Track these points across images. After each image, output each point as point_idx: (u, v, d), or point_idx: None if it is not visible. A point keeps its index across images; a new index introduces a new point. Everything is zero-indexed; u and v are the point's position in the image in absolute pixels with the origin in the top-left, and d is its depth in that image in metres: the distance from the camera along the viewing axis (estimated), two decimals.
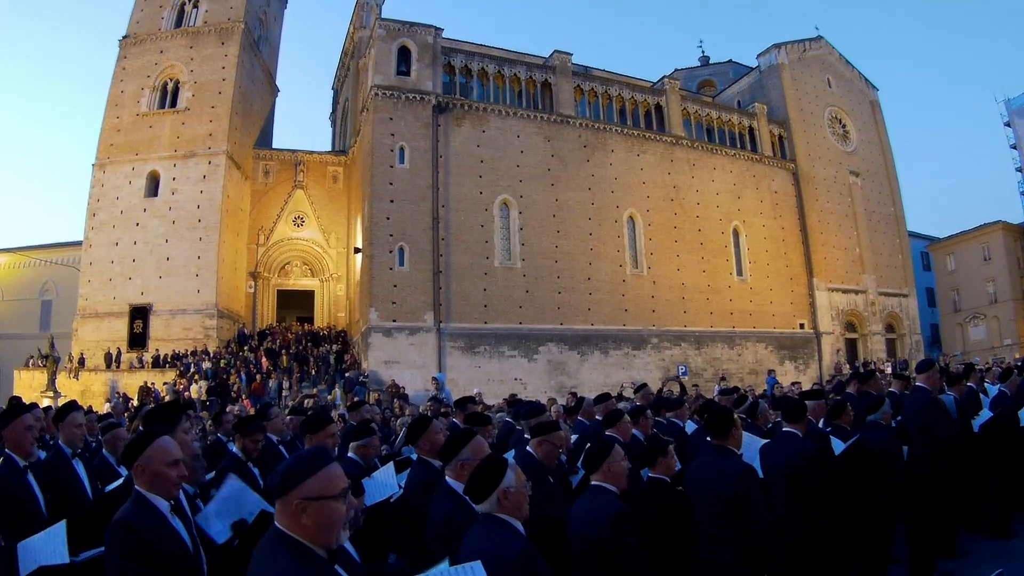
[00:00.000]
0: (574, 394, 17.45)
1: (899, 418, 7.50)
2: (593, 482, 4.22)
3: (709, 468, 4.70)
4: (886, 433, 6.52)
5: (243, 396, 26.06)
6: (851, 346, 42.47)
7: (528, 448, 5.01)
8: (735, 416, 4.88)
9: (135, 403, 25.91)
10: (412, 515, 4.41)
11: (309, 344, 33.84)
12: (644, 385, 11.26)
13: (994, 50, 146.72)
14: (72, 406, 5.50)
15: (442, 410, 11.24)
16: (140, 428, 4.98)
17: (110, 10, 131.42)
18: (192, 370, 29.59)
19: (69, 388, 28.83)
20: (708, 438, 4.90)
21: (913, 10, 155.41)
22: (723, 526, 4.46)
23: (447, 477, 3.91)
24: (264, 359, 30.86)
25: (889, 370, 27.60)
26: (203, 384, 28.30)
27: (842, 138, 46.29)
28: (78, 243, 37.76)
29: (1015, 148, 51.12)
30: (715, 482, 4.56)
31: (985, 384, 9.70)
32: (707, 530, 4.60)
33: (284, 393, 27.24)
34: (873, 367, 31.33)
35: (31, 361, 31.98)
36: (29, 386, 28.98)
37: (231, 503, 4.12)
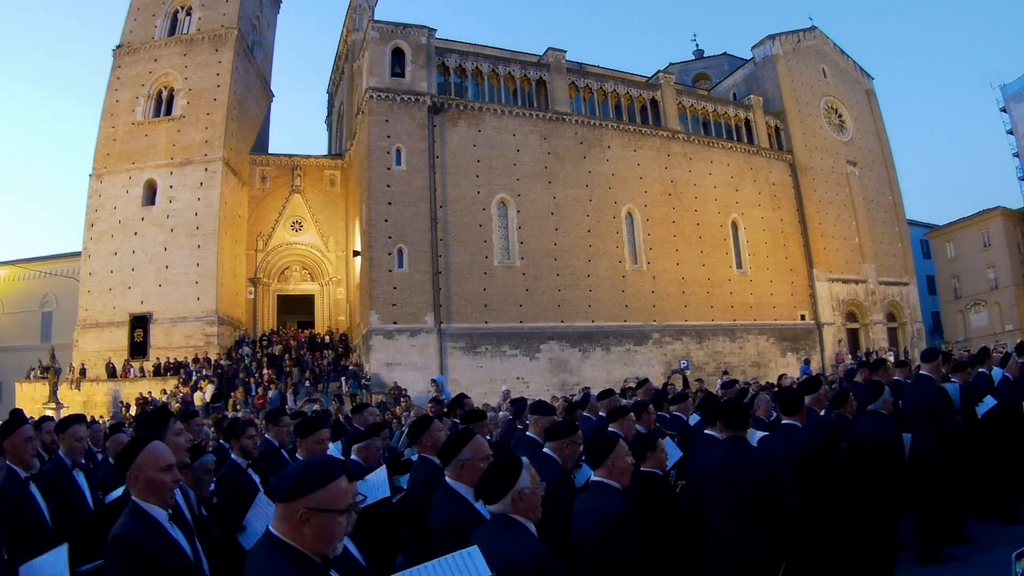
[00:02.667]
0: (586, 390, 17.42)
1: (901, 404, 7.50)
2: (595, 478, 4.16)
3: (729, 461, 4.59)
4: (887, 422, 6.51)
5: (245, 408, 25.82)
6: (853, 336, 42.46)
7: (547, 451, 4.93)
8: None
9: (132, 412, 25.94)
10: (418, 514, 4.40)
11: (309, 351, 33.63)
12: (646, 380, 11.24)
13: (989, 36, 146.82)
14: (75, 419, 5.50)
15: (443, 411, 11.21)
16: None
17: (104, 20, 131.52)
18: (194, 378, 29.51)
19: (71, 399, 28.84)
20: (720, 431, 4.84)
21: None
22: (754, 518, 4.36)
23: (447, 478, 3.88)
24: (266, 368, 30.68)
25: (891, 359, 27.54)
26: (209, 389, 28.25)
27: (838, 128, 46.27)
28: (77, 254, 37.78)
29: (1012, 133, 51.00)
30: (741, 474, 4.46)
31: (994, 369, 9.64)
32: (730, 525, 4.48)
33: (288, 404, 26.97)
34: (877, 356, 31.35)
35: (32, 373, 32.01)
36: (31, 398, 28.95)
37: (261, 515, 4.22)
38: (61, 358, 30.17)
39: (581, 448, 4.97)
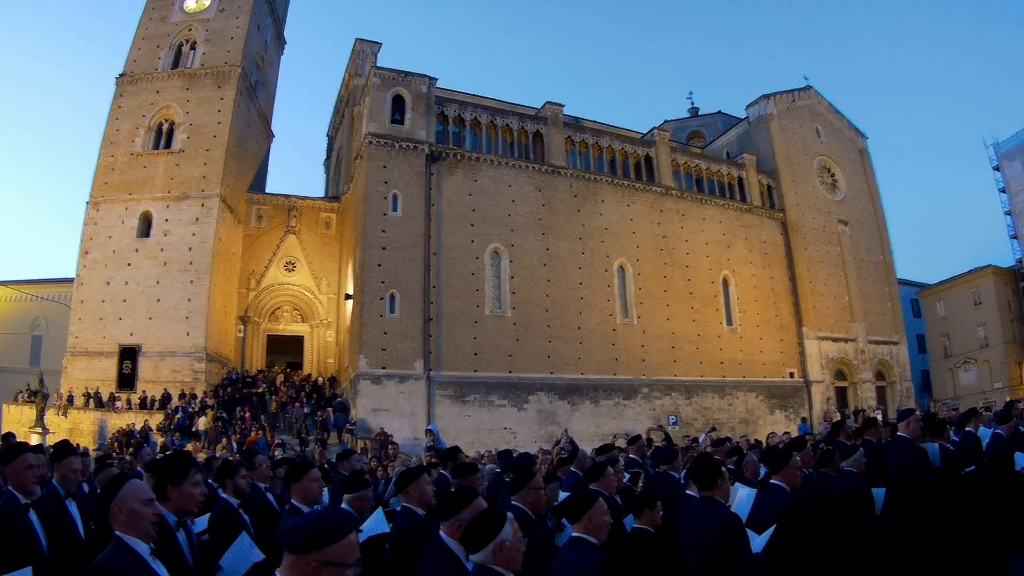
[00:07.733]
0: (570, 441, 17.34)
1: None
2: (574, 533, 4.24)
3: (697, 518, 4.78)
4: (855, 480, 6.63)
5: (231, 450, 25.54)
6: (841, 394, 42.46)
7: (515, 502, 5.07)
8: (722, 468, 4.94)
9: (117, 444, 25.67)
10: (402, 564, 4.45)
11: (302, 396, 33.13)
12: (638, 437, 11.19)
13: (982, 94, 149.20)
14: (70, 450, 5.52)
15: (432, 461, 11.18)
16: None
17: (109, 47, 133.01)
18: (177, 418, 29.01)
19: (58, 426, 28.71)
20: (695, 489, 4.95)
21: (901, 57, 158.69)
22: (712, 574, 4.52)
23: (442, 532, 3.90)
24: (248, 413, 29.78)
25: (880, 417, 27.58)
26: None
27: (831, 187, 46.87)
28: (70, 280, 37.57)
29: (1004, 192, 51.10)
30: (702, 531, 4.65)
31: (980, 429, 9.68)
32: None
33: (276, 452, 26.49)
34: (864, 415, 31.35)
35: (20, 396, 31.74)
36: (18, 421, 28.84)
37: (239, 557, 4.25)
38: (49, 383, 29.98)
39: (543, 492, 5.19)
